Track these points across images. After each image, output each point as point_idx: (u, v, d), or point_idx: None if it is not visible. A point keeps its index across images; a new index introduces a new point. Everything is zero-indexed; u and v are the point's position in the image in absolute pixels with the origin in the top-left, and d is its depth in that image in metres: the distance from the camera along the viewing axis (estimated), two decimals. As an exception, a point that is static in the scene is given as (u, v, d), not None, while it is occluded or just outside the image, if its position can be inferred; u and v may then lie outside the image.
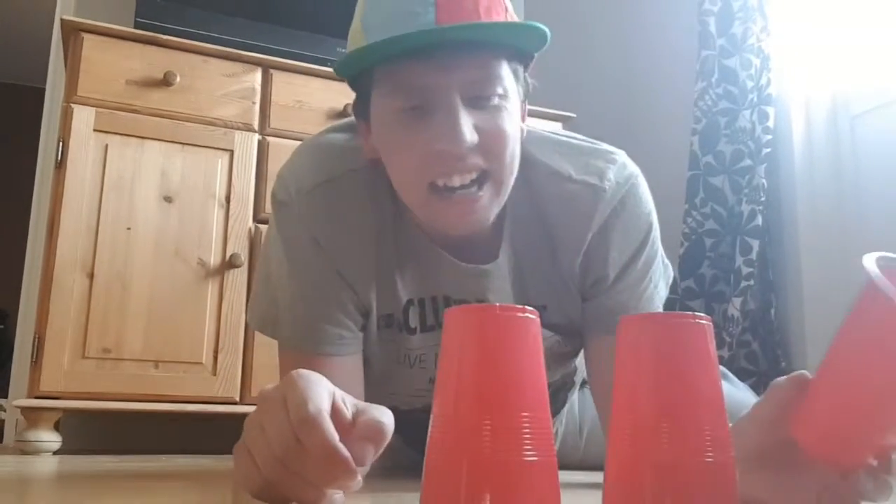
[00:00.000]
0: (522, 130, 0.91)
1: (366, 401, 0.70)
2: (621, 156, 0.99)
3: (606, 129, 2.68)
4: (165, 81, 1.93)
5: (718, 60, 2.21)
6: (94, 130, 1.86)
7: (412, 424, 0.85)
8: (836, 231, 2.02)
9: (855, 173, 2.02)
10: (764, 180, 2.04)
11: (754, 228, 2.03)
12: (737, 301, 2.00)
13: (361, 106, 0.90)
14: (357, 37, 0.86)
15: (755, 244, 2.02)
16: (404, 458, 1.07)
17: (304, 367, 0.94)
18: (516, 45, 0.86)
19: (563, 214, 0.96)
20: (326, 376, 0.93)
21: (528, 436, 0.52)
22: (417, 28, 0.79)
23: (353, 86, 0.90)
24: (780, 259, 2.09)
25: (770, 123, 2.06)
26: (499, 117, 0.84)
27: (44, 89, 2.42)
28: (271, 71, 2.06)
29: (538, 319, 0.55)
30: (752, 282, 2.01)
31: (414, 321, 1.00)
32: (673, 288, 2.20)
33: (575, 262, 0.98)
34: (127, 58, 1.92)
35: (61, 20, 1.95)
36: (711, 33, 2.23)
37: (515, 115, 0.87)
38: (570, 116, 2.36)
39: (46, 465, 1.42)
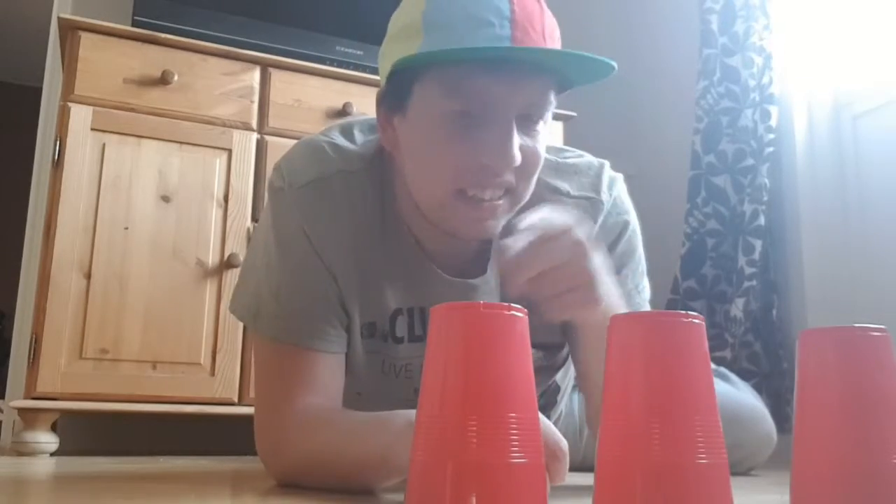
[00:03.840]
0: None
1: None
2: (606, 165, 1.03)
3: (607, 129, 2.68)
4: (163, 80, 1.92)
5: (720, 59, 2.20)
6: (92, 129, 1.85)
7: None
8: (839, 231, 2.02)
9: (857, 173, 2.01)
10: (766, 180, 2.03)
11: (757, 228, 2.02)
12: (739, 301, 2.00)
13: (394, 96, 0.89)
14: (414, 31, 0.84)
15: (758, 244, 2.01)
16: None
17: (284, 361, 0.95)
18: (577, 76, 0.87)
19: None
20: (307, 372, 0.93)
21: (515, 437, 0.51)
22: (492, 39, 0.79)
23: (390, 76, 0.88)
24: (782, 259, 2.08)
25: (772, 122, 2.05)
26: (538, 141, 0.87)
27: (41, 88, 2.41)
28: (270, 69, 2.05)
29: (526, 318, 0.54)
30: (754, 282, 2.00)
31: (401, 330, 1.00)
32: (674, 288, 2.20)
33: None
34: (124, 56, 1.91)
35: (59, 18, 1.94)
36: (713, 31, 2.23)
37: (547, 140, 0.90)
38: (570, 115, 2.35)
39: (43, 466, 1.41)
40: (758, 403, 1.51)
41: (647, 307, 1.04)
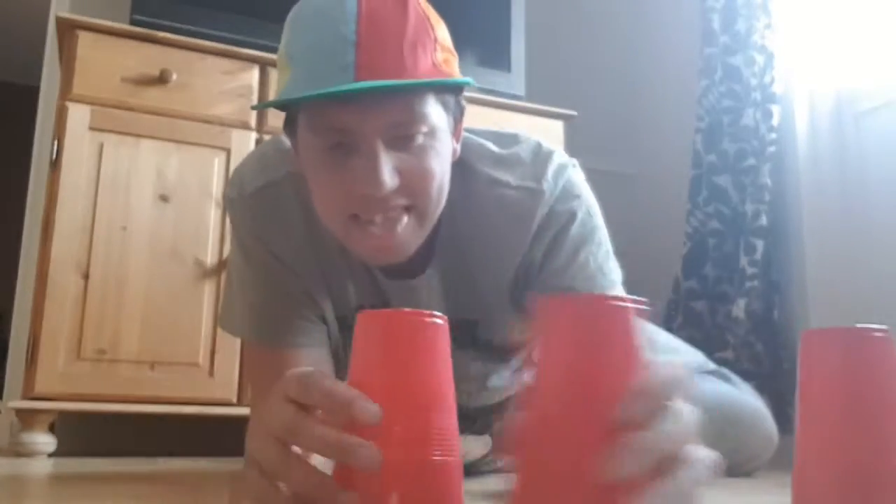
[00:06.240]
0: (455, 151, 0.90)
1: None
2: (554, 153, 0.99)
3: (608, 128, 2.67)
4: (161, 79, 1.91)
5: (722, 58, 2.19)
6: (90, 129, 1.84)
7: None
8: (841, 230, 2.01)
9: (860, 172, 2.01)
10: (768, 179, 2.02)
11: (759, 228, 2.01)
12: (741, 302, 1.99)
13: (288, 126, 0.89)
14: (282, 62, 0.84)
15: (760, 244, 2.01)
16: None
17: (273, 361, 0.96)
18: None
19: (503, 219, 0.96)
20: (295, 367, 0.93)
21: (437, 438, 0.52)
22: (335, 70, 0.77)
23: (280, 108, 0.89)
24: (784, 259, 2.07)
25: (774, 122, 2.05)
26: (423, 157, 0.83)
27: (38, 87, 2.40)
28: (268, 68, 2.04)
29: (445, 325, 0.55)
30: (756, 282, 1.99)
31: None
32: (675, 288, 2.19)
33: (514, 265, 0.98)
34: (122, 55, 1.90)
35: (56, 17, 1.93)
36: (715, 30, 2.22)
37: (444, 148, 0.86)
38: (571, 115, 2.34)
39: (41, 467, 1.41)
40: (759, 404, 1.51)
41: (618, 289, 0.99)
